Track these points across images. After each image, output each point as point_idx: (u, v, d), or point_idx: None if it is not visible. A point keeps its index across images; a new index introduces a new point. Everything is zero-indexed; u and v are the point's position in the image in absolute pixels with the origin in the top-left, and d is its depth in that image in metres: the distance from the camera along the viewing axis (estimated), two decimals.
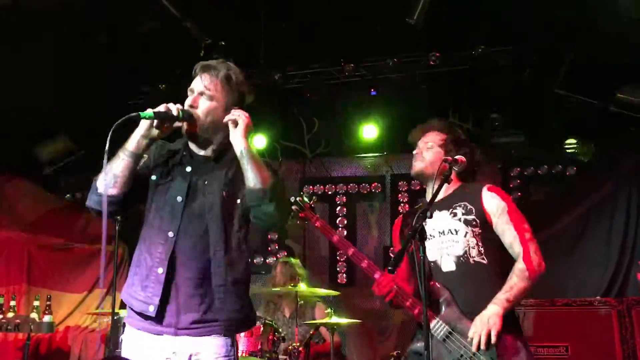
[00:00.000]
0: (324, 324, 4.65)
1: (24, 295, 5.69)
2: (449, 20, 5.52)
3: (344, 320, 4.61)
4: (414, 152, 2.99)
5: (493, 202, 2.77)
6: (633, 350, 4.04)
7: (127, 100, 6.31)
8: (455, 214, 2.80)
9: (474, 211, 2.77)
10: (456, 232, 2.77)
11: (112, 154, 2.23)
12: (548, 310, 4.18)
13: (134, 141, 2.25)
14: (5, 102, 5.43)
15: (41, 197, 6.41)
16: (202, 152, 2.42)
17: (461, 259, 2.73)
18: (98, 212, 2.25)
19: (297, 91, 6.35)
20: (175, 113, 2.25)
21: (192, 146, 2.43)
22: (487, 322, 2.55)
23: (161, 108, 2.25)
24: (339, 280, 6.36)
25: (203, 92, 2.36)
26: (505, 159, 6.09)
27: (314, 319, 4.96)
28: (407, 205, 6.38)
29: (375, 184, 6.53)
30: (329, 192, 6.63)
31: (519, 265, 2.65)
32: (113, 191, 2.23)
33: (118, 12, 5.05)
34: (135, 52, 5.53)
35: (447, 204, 2.85)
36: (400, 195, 6.44)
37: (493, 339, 2.52)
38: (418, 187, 6.35)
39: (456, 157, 2.77)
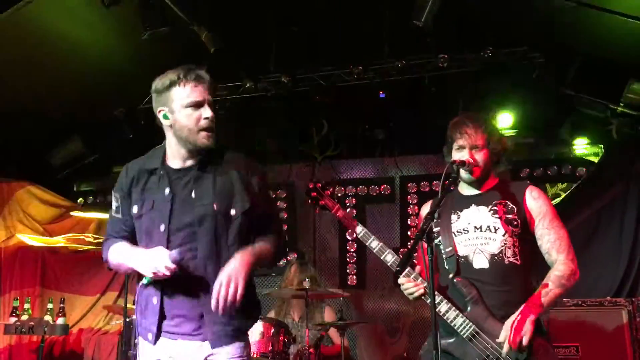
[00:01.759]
0: (334, 326, 4.68)
1: (38, 298, 5.76)
2: (457, 22, 5.54)
3: (353, 322, 4.63)
4: (464, 157, 2.75)
5: (536, 204, 2.72)
6: None
7: (138, 104, 6.38)
8: (495, 212, 2.73)
9: (515, 211, 2.72)
10: (495, 230, 2.70)
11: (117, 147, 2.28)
12: (558, 311, 4.16)
13: (136, 269, 2.29)
14: (17, 108, 5.51)
15: (54, 201, 6.48)
16: (186, 163, 2.39)
17: (495, 257, 2.67)
18: None
19: (306, 94, 6.38)
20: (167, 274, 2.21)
21: (172, 161, 2.39)
22: (521, 328, 2.49)
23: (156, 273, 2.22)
24: (349, 282, 6.37)
25: (210, 102, 2.35)
26: (515, 160, 6.08)
27: (323, 321, 4.98)
28: (416, 207, 6.38)
29: (385, 185, 6.54)
30: (338, 194, 6.64)
31: (556, 272, 2.62)
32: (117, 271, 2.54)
33: (127, 15, 5.11)
34: (146, 56, 5.58)
35: (486, 200, 2.79)
36: (409, 197, 6.44)
37: (525, 343, 2.48)
38: (427, 189, 6.35)
39: (463, 159, 2.75)
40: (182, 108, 2.32)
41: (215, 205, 2.30)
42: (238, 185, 2.36)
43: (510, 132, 6.00)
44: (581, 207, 5.33)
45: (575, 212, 5.28)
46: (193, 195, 2.32)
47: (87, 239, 6.21)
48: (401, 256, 2.74)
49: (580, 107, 5.69)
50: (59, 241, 6.15)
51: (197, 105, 2.33)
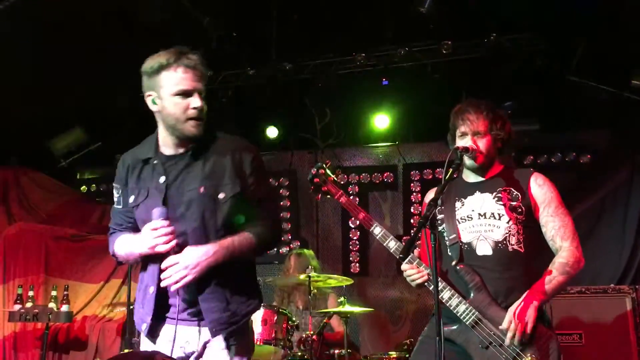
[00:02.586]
0: (337, 313, 4.68)
1: (42, 285, 5.77)
2: (461, 8, 5.49)
3: (356, 309, 4.64)
4: (467, 144, 2.72)
5: (541, 191, 2.70)
6: None
7: (140, 92, 6.35)
8: (499, 198, 2.71)
9: (520, 198, 2.69)
10: (499, 217, 2.68)
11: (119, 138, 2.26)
12: (562, 298, 4.16)
13: (143, 251, 2.27)
14: (20, 96, 5.49)
15: (57, 189, 6.49)
16: (176, 151, 2.35)
17: (499, 245, 2.66)
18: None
19: (309, 82, 6.36)
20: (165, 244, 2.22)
21: (164, 148, 2.36)
22: (524, 315, 2.48)
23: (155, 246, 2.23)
24: (352, 270, 6.38)
25: (202, 90, 2.30)
26: (519, 147, 6.05)
27: (327, 308, 4.99)
28: (419, 195, 6.37)
29: (388, 173, 6.53)
30: (341, 182, 6.61)
31: (560, 259, 2.60)
32: (125, 262, 2.50)
33: (128, 3, 5.08)
34: (147, 44, 5.55)
35: (490, 186, 2.77)
36: (412, 184, 6.43)
37: (527, 331, 2.47)
38: (430, 177, 6.34)
39: (467, 145, 2.72)
40: (170, 96, 2.26)
41: (200, 189, 2.27)
42: (229, 169, 2.31)
43: (514, 120, 5.96)
44: (585, 194, 5.33)
45: (580, 200, 5.27)
46: (183, 182, 2.30)
47: (90, 227, 6.23)
48: (404, 243, 2.72)
49: (585, 94, 5.65)
50: (62, 229, 6.16)
51: (186, 94, 2.26)
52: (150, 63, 2.30)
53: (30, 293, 5.45)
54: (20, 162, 6.39)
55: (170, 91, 2.25)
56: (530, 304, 2.51)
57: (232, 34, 5.72)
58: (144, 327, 2.34)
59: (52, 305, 5.33)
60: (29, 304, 5.34)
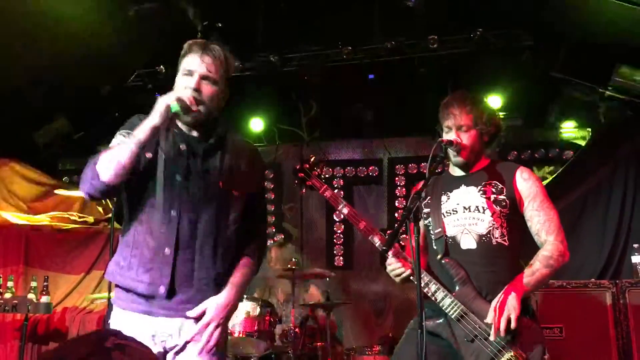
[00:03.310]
0: (320, 306, 4.69)
1: (22, 276, 5.71)
2: (448, 3, 5.50)
3: (339, 302, 4.65)
4: (452, 138, 2.72)
5: (526, 185, 2.68)
6: (627, 332, 4.06)
7: (123, 82, 6.29)
8: (484, 192, 2.71)
9: (505, 191, 2.68)
10: (483, 210, 2.67)
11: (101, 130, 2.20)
12: (543, 292, 4.19)
13: (146, 132, 2.14)
14: (1, 86, 5.41)
15: (38, 179, 6.41)
16: (194, 134, 2.34)
17: (483, 238, 2.65)
18: (95, 199, 2.19)
19: (295, 74, 6.33)
20: (192, 104, 2.19)
21: (183, 126, 2.33)
22: (507, 308, 2.47)
23: (180, 96, 2.17)
24: (335, 263, 6.39)
25: (207, 76, 2.27)
26: (503, 143, 6.07)
27: (309, 301, 5.00)
28: (404, 189, 6.39)
29: (373, 167, 6.54)
30: (326, 176, 6.61)
31: (544, 252, 2.58)
32: (116, 180, 2.13)
33: None
34: (132, 33, 5.50)
35: (476, 180, 2.75)
36: (397, 178, 6.45)
37: (513, 325, 2.46)
38: (415, 171, 6.36)
39: (451, 139, 2.71)
40: (180, 76, 2.30)
41: (220, 183, 2.28)
42: (245, 171, 2.36)
43: (498, 115, 5.99)
44: (567, 190, 5.37)
45: (562, 195, 5.31)
46: (200, 167, 2.29)
47: (71, 218, 6.16)
48: (387, 236, 2.71)
49: (568, 91, 5.70)
50: (43, 219, 6.08)
51: (189, 74, 2.27)
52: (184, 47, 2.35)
53: (10, 284, 5.37)
54: (2, 152, 6.29)
55: (181, 71, 2.30)
56: (510, 296, 2.50)
57: (218, 25, 5.67)
58: (162, 290, 2.17)
59: (31, 296, 5.27)
60: (8, 295, 5.27)
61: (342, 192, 6.51)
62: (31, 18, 4.94)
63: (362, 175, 6.57)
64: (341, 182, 6.58)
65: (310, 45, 6.15)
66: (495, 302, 2.53)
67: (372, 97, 6.36)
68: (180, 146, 2.29)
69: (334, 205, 2.95)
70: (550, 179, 5.66)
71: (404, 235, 2.76)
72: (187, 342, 2.22)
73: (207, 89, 2.27)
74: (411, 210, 2.36)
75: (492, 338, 2.51)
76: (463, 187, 2.77)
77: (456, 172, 2.85)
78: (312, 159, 3.00)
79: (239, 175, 2.33)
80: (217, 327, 2.21)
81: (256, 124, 6.68)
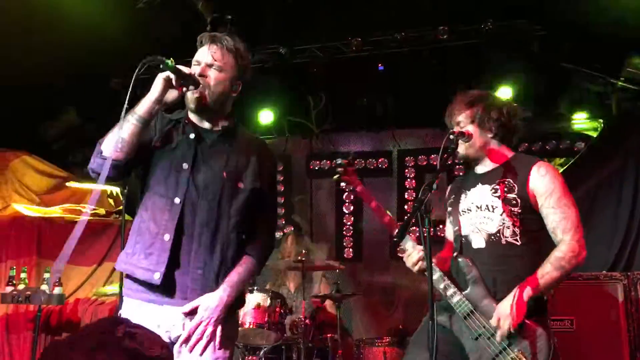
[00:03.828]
0: (330, 297, 4.71)
1: (35, 267, 5.75)
2: None
3: (349, 294, 4.66)
4: (463, 129, 2.75)
5: (542, 182, 2.60)
6: (638, 324, 4.04)
7: (133, 74, 6.29)
8: (496, 190, 2.67)
9: (516, 189, 2.62)
10: (493, 209, 2.64)
11: (112, 122, 2.21)
12: None
13: (145, 106, 2.19)
14: (11, 79, 5.44)
15: (49, 171, 6.45)
16: (205, 125, 2.39)
17: (492, 237, 2.62)
18: (99, 174, 2.21)
19: (304, 66, 6.32)
20: (191, 72, 2.24)
21: (194, 117, 2.39)
22: (510, 311, 2.46)
23: (180, 66, 2.22)
24: (345, 255, 6.40)
25: (212, 64, 2.32)
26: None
27: (319, 293, 5.02)
28: (413, 181, 6.38)
29: (382, 159, 6.53)
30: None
31: (557, 253, 2.52)
32: (118, 155, 2.17)
33: None
34: (142, 25, 5.50)
35: (491, 178, 2.72)
36: (407, 170, 6.44)
37: (512, 327, 2.46)
38: (425, 163, 6.35)
39: (462, 130, 2.72)
40: (192, 66, 2.35)
41: (225, 173, 2.30)
42: (253, 164, 2.37)
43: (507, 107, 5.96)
44: (579, 181, 5.33)
45: (573, 187, 5.23)
46: (207, 157, 2.32)
47: (83, 210, 6.20)
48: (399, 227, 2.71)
49: (580, 81, 5.65)
50: (54, 211, 6.13)
51: (197, 64, 2.34)
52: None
53: (23, 275, 5.42)
54: (13, 144, 6.34)
55: (193, 61, 2.37)
56: (519, 300, 2.47)
57: (227, 17, 5.66)
58: (156, 277, 2.18)
59: (44, 287, 5.32)
60: (21, 286, 5.32)
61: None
62: (41, 11, 4.96)
63: (372, 167, 6.56)
64: None
65: (319, 37, 6.13)
66: (500, 305, 2.53)
67: (381, 88, 6.34)
68: (190, 135, 2.34)
69: (363, 200, 3.02)
70: (562, 170, 5.63)
71: (414, 228, 2.78)
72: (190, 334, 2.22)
73: (213, 75, 2.31)
74: (422, 201, 2.36)
75: (497, 339, 2.51)
76: (479, 185, 2.76)
77: (477, 169, 2.84)
78: (351, 155, 3.14)
79: (244, 169, 2.35)
80: (207, 326, 2.21)
81: (265, 116, 6.68)
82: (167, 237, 2.22)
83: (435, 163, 5.99)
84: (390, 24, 5.80)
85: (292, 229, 6.48)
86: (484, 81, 6.07)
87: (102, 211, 6.29)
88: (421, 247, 2.63)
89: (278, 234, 6.49)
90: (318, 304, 4.80)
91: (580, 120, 5.96)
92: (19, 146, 6.36)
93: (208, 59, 2.32)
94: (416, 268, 2.71)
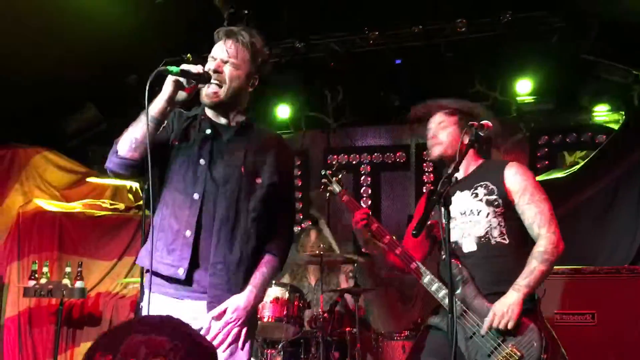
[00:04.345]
0: (349, 291, 4.71)
1: (56, 262, 5.84)
2: None
3: (368, 288, 4.66)
4: (428, 135, 2.93)
5: (515, 181, 2.73)
6: None
7: (151, 70, 6.33)
8: (476, 195, 2.76)
9: (495, 191, 2.72)
10: (478, 212, 2.73)
11: (131, 118, 2.24)
12: (575, 278, 4.15)
13: (157, 106, 2.21)
14: (30, 75, 5.50)
15: (70, 167, 6.53)
16: (221, 120, 2.40)
17: (482, 239, 2.70)
18: (116, 174, 2.28)
19: (321, 60, 6.31)
20: (198, 71, 2.23)
21: (210, 113, 2.40)
22: (506, 311, 2.53)
23: (186, 66, 2.22)
24: (362, 249, 6.38)
25: (227, 59, 2.33)
26: (533, 127, 6.00)
27: (339, 286, 5.02)
28: (431, 175, 6.35)
29: (400, 153, 6.50)
30: (353, 162, 6.63)
31: (538, 248, 2.62)
32: (133, 155, 2.21)
33: None
34: (159, 22, 5.54)
35: (468, 184, 2.81)
36: (424, 164, 6.41)
37: (510, 327, 2.51)
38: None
39: (482, 122, 2.73)
40: (208, 61, 2.37)
41: (242, 169, 2.31)
42: (270, 158, 2.39)
43: (528, 99, 5.91)
44: (600, 174, 5.27)
45: (594, 180, 5.22)
46: (226, 153, 2.33)
47: (103, 205, 6.27)
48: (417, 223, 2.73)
49: (601, 73, 5.57)
50: (75, 207, 6.21)
51: (212, 59, 2.36)
52: None
53: (45, 269, 5.51)
54: (34, 140, 6.42)
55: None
56: (513, 299, 2.54)
57: (244, 12, 5.67)
58: (180, 272, 2.22)
59: (66, 281, 5.39)
60: (43, 280, 5.40)
61: (369, 179, 6.50)
62: (59, 8, 5.01)
63: (390, 161, 6.54)
64: (368, 168, 6.56)
65: (336, 31, 6.11)
66: (496, 305, 2.57)
67: (399, 82, 6.31)
68: (206, 131, 2.36)
69: (350, 210, 3.06)
70: (582, 163, 5.56)
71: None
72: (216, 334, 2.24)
73: (228, 70, 2.33)
74: (441, 194, 2.39)
75: (482, 332, 2.57)
76: (458, 192, 2.83)
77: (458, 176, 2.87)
78: (335, 166, 3.24)
79: (261, 164, 2.36)
80: (233, 327, 2.24)
81: (282, 111, 6.69)
82: (188, 233, 2.25)
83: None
84: (408, 18, 5.76)
85: (310, 223, 6.49)
86: (502, 74, 6.03)
87: (121, 206, 6.36)
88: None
89: (296, 228, 6.51)
90: (337, 298, 4.80)
91: (602, 113, 5.87)
92: (40, 142, 6.43)
93: (223, 55, 2.33)
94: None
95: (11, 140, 6.28)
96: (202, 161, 2.31)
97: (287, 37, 6.09)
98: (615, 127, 5.75)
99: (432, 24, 5.77)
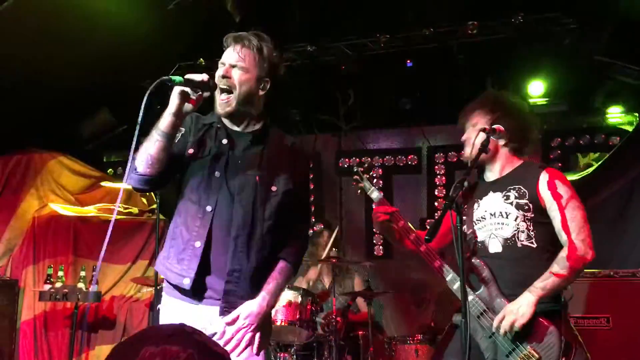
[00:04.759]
0: (361, 295, 4.71)
1: (71, 266, 5.89)
2: None
3: (380, 291, 4.66)
4: (462, 138, 2.90)
5: (549, 187, 2.70)
6: None
7: (165, 74, 6.37)
8: (507, 197, 2.76)
9: (527, 195, 2.72)
10: (507, 215, 2.73)
11: (147, 122, 2.24)
12: (589, 282, 4.12)
13: (166, 121, 2.21)
14: (45, 80, 5.56)
15: (84, 171, 6.59)
16: (236, 128, 2.40)
17: (508, 241, 2.71)
18: (137, 189, 2.34)
19: (332, 63, 6.32)
20: (202, 79, 2.21)
21: (226, 121, 2.41)
22: (516, 312, 2.54)
23: (190, 75, 2.21)
24: (375, 253, 6.38)
25: (236, 64, 2.33)
26: (546, 129, 5.96)
27: (353, 290, 5.02)
28: (444, 178, 6.33)
29: (412, 156, 6.49)
30: (365, 165, 6.61)
31: (562, 253, 2.61)
32: (149, 170, 2.24)
33: None
34: (172, 26, 5.58)
35: (501, 185, 2.81)
36: (437, 167, 6.39)
37: (516, 328, 2.53)
38: (455, 159, 6.28)
39: (494, 126, 2.72)
40: (218, 67, 2.37)
41: (257, 178, 2.32)
42: (286, 165, 2.39)
43: (541, 101, 5.88)
44: (614, 177, 5.23)
45: (608, 182, 5.18)
46: (242, 161, 2.34)
47: (118, 209, 6.32)
48: (429, 226, 2.76)
49: (615, 75, 5.52)
50: (90, 211, 6.26)
51: (222, 63, 2.36)
52: None
53: (60, 273, 5.57)
54: (48, 145, 6.49)
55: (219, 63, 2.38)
56: (525, 300, 2.56)
57: (255, 15, 5.70)
58: (186, 282, 2.25)
59: (81, 285, 5.44)
60: (58, 284, 5.46)
61: (381, 182, 6.49)
62: (74, 13, 5.06)
63: (401, 164, 6.53)
64: (380, 171, 6.55)
65: (347, 34, 6.12)
66: (508, 306, 2.59)
67: (410, 85, 6.30)
68: (222, 141, 2.36)
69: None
70: (596, 166, 5.52)
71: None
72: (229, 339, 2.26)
73: (237, 75, 2.32)
74: (453, 199, 2.39)
75: (493, 329, 2.60)
76: (490, 193, 2.84)
77: (488, 177, 2.90)
78: (367, 162, 3.19)
79: (277, 171, 2.36)
80: (246, 332, 2.26)
81: (295, 115, 6.69)
82: (198, 244, 2.27)
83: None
84: (419, 20, 5.76)
85: (322, 226, 6.49)
86: (515, 75, 6.00)
87: (135, 210, 6.40)
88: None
89: (309, 231, 6.51)
90: (349, 301, 4.80)
91: (615, 114, 5.82)
92: (56, 147, 6.50)
93: (232, 60, 2.33)
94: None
95: (27, 146, 6.36)
96: (217, 173, 2.32)
97: (298, 40, 6.11)
98: (629, 128, 5.70)
99: (443, 26, 5.76)
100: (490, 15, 5.62)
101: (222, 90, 2.33)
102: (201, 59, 6.16)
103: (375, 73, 6.34)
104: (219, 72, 2.33)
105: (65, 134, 6.56)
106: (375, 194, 3.09)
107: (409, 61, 6.18)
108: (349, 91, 6.61)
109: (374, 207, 3.03)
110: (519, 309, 2.54)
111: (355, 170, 3.16)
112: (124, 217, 6.18)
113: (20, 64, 5.35)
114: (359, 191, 3.17)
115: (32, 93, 5.63)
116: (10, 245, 5.92)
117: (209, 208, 2.28)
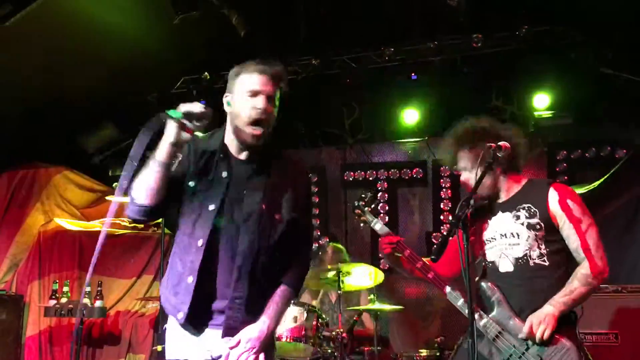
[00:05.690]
0: (367, 310, 4.68)
1: (76, 281, 5.89)
2: (491, 0, 5.40)
3: (387, 307, 4.63)
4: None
5: (559, 204, 2.68)
6: None
7: (170, 88, 6.41)
8: (518, 217, 2.73)
9: (538, 214, 2.69)
10: (518, 235, 2.71)
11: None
12: (597, 297, 4.07)
13: (163, 151, 2.17)
14: (51, 94, 5.59)
15: (90, 186, 6.60)
16: (240, 155, 2.37)
17: (520, 260, 2.69)
18: (137, 221, 2.33)
19: (337, 77, 6.32)
20: (201, 110, 2.15)
21: (232, 146, 2.37)
22: (543, 319, 2.52)
23: (187, 107, 2.15)
24: (381, 267, 6.34)
25: (272, 96, 2.31)
26: (551, 142, 5.94)
27: (359, 305, 4.99)
28: (449, 191, 6.30)
29: (417, 169, 6.46)
30: (370, 178, 6.61)
31: (582, 270, 2.59)
32: (149, 202, 2.20)
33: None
34: (177, 41, 5.60)
35: (511, 205, 2.78)
36: (442, 180, 6.36)
37: (546, 336, 2.50)
38: (461, 172, 6.25)
39: (500, 143, 2.70)
40: (240, 94, 2.30)
41: (263, 206, 2.30)
42: (289, 192, 2.38)
43: (546, 113, 5.86)
44: (620, 190, 5.20)
45: (615, 196, 5.15)
46: (245, 191, 2.32)
47: (123, 223, 6.31)
48: (436, 244, 2.74)
49: (620, 87, 5.50)
50: (95, 225, 6.26)
51: (255, 93, 2.29)
52: (234, 69, 2.38)
53: (65, 288, 5.56)
54: (54, 160, 6.51)
55: (242, 89, 2.31)
56: (549, 311, 2.54)
57: (260, 29, 5.72)
58: (180, 316, 2.27)
59: (86, 300, 5.44)
60: (63, 300, 5.45)
61: (386, 195, 6.47)
62: (79, 29, 5.09)
63: (407, 177, 6.50)
64: (385, 184, 6.53)
65: (351, 47, 6.13)
66: (532, 316, 2.56)
67: (415, 97, 6.30)
68: (222, 174, 2.33)
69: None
70: (602, 179, 5.48)
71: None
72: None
73: (272, 110, 2.32)
74: (460, 218, 2.38)
75: (521, 336, 2.56)
76: (500, 213, 2.81)
77: (498, 198, 2.86)
78: (368, 196, 3.22)
79: (281, 199, 2.35)
80: (249, 356, 2.25)
81: (299, 128, 6.70)
82: (190, 279, 2.26)
83: None
84: (423, 33, 5.76)
85: (327, 240, 6.47)
86: (519, 88, 5.99)
87: (140, 225, 6.39)
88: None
89: (313, 246, 6.49)
90: (356, 317, 4.77)
91: (621, 127, 5.79)
92: (60, 161, 6.52)
93: (269, 92, 2.30)
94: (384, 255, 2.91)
95: (33, 160, 6.38)
96: (211, 207, 2.28)
97: (303, 53, 6.13)
98: (635, 141, 5.66)
99: (447, 39, 5.77)
100: (495, 28, 5.63)
101: (257, 122, 2.28)
102: (206, 73, 6.17)
103: (380, 86, 6.35)
104: (255, 103, 2.27)
105: (72, 148, 6.58)
106: (378, 226, 3.07)
107: (413, 74, 6.17)
108: (354, 104, 6.62)
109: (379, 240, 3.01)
110: (546, 318, 2.52)
111: (356, 204, 3.16)
112: (129, 231, 6.18)
113: (26, 79, 5.39)
114: (362, 225, 3.18)
115: (37, 108, 5.66)
116: (16, 260, 5.93)
117: (200, 242, 2.26)
